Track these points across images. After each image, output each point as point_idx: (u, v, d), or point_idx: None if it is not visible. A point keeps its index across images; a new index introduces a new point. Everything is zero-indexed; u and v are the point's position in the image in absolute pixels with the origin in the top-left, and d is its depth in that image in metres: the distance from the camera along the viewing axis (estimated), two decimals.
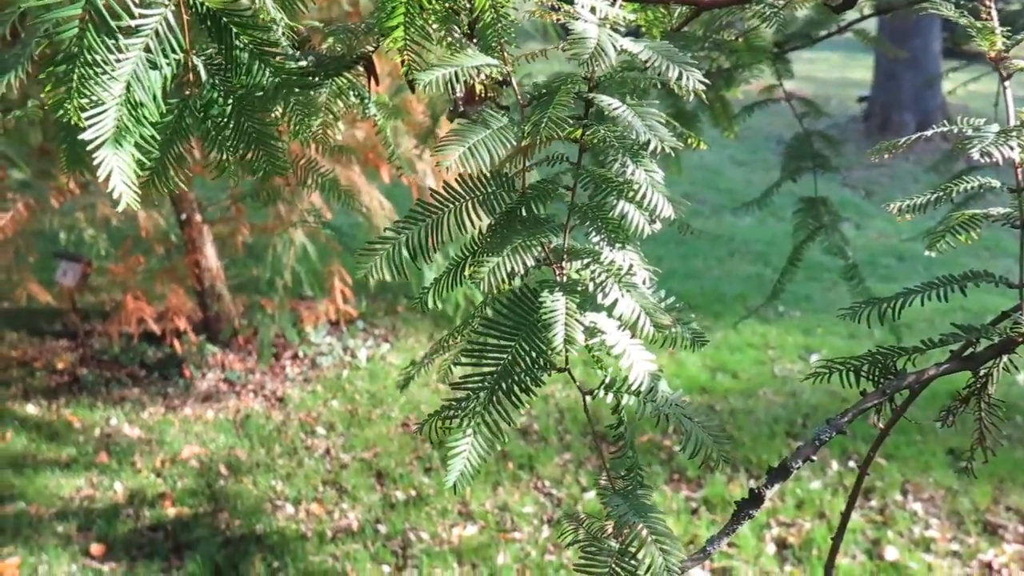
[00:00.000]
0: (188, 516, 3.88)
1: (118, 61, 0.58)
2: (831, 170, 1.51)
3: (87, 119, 0.58)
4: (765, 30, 1.19)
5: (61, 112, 0.55)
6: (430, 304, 0.85)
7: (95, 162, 0.61)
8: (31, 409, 4.63)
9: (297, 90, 0.72)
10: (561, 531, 0.73)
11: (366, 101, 0.98)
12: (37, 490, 3.99)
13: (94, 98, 0.56)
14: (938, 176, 1.53)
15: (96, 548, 3.63)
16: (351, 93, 0.95)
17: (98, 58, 0.54)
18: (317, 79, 0.83)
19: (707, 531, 3.88)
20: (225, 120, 0.71)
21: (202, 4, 0.65)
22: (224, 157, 0.73)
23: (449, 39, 0.74)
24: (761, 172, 9.52)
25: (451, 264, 0.74)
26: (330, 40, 0.87)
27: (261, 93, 0.70)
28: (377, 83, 1.03)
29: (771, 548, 3.78)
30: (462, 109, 0.98)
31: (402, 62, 0.77)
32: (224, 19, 0.68)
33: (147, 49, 0.60)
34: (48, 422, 4.52)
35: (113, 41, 0.54)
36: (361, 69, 0.98)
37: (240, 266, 5.91)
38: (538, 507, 4.04)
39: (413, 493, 4.11)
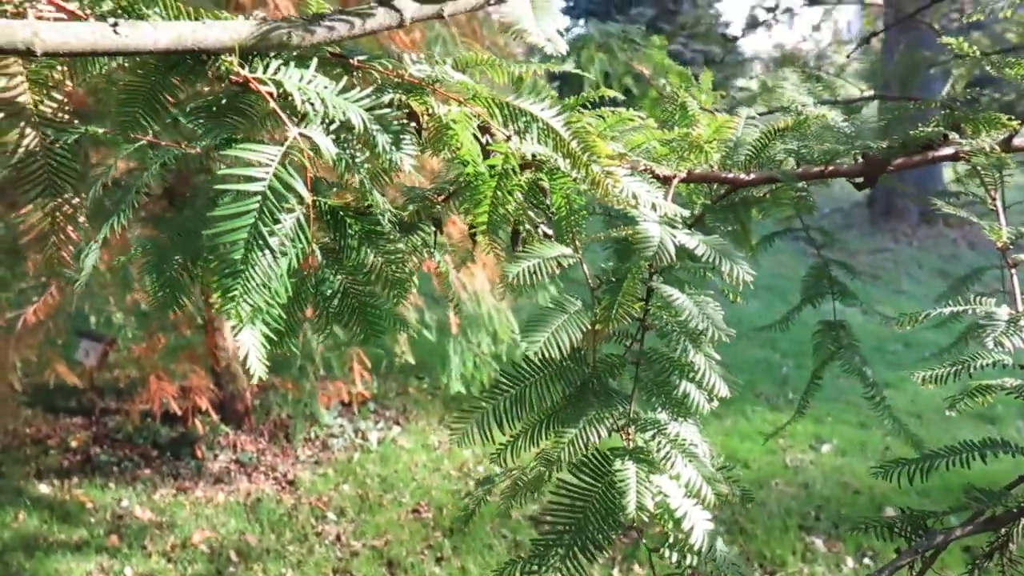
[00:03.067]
0: None
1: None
2: (851, 297, 1.62)
3: (228, 308, 0.69)
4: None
5: (225, 311, 0.66)
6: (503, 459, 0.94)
7: (235, 337, 0.72)
8: (44, 489, 4.65)
9: (394, 266, 0.83)
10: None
11: (435, 251, 1.10)
12: (48, 573, 3.98)
13: (245, 297, 0.68)
14: (951, 296, 1.63)
15: None
16: (424, 248, 1.06)
17: (258, 271, 0.65)
18: (402, 244, 0.94)
19: None
20: (334, 294, 0.82)
21: (325, 203, 0.76)
22: (330, 324, 0.84)
23: (527, 226, 0.86)
24: (769, 256, 9.69)
25: (527, 426, 0.84)
26: (410, 207, 0.99)
27: (366, 271, 0.82)
28: (442, 234, 1.15)
29: None
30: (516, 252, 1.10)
31: (481, 240, 0.88)
32: (341, 213, 0.79)
33: (280, 244, 0.71)
34: (60, 502, 4.54)
35: (270, 254, 0.65)
36: (433, 228, 1.10)
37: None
38: None
39: None
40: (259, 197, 0.65)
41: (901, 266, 9.89)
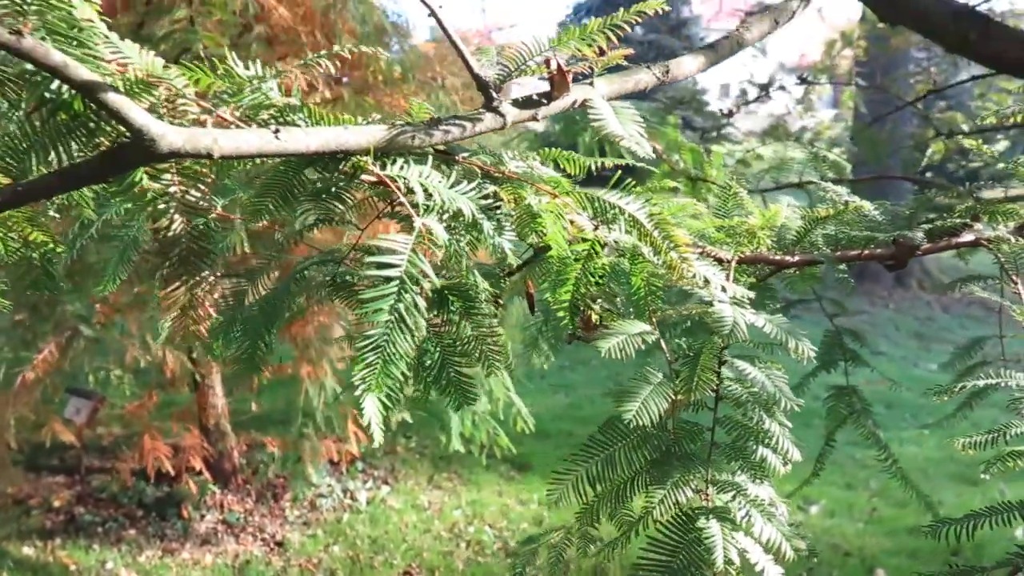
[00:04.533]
0: None
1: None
2: (863, 364, 1.74)
3: (369, 379, 0.77)
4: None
5: (363, 383, 0.74)
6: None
7: (362, 409, 0.80)
8: (27, 551, 4.55)
9: (489, 340, 0.92)
10: None
11: (497, 323, 1.19)
12: None
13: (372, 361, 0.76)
14: (957, 368, 1.76)
15: None
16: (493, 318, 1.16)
17: (398, 347, 0.74)
18: (496, 321, 1.03)
19: None
20: (433, 364, 0.91)
21: (433, 284, 0.86)
22: (428, 392, 0.92)
23: (605, 304, 0.96)
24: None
25: (612, 488, 0.92)
26: (486, 285, 1.08)
27: (463, 344, 0.90)
28: (503, 308, 1.24)
29: None
30: (580, 334, 1.20)
31: (562, 316, 0.98)
32: (446, 292, 0.89)
33: (414, 322, 0.80)
34: (43, 564, 4.45)
35: (407, 331, 0.74)
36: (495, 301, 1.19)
37: (240, 401, 5.98)
38: None
39: None
40: (397, 281, 0.74)
41: (878, 328, 10.12)
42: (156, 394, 4.67)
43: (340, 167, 0.86)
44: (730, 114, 3.57)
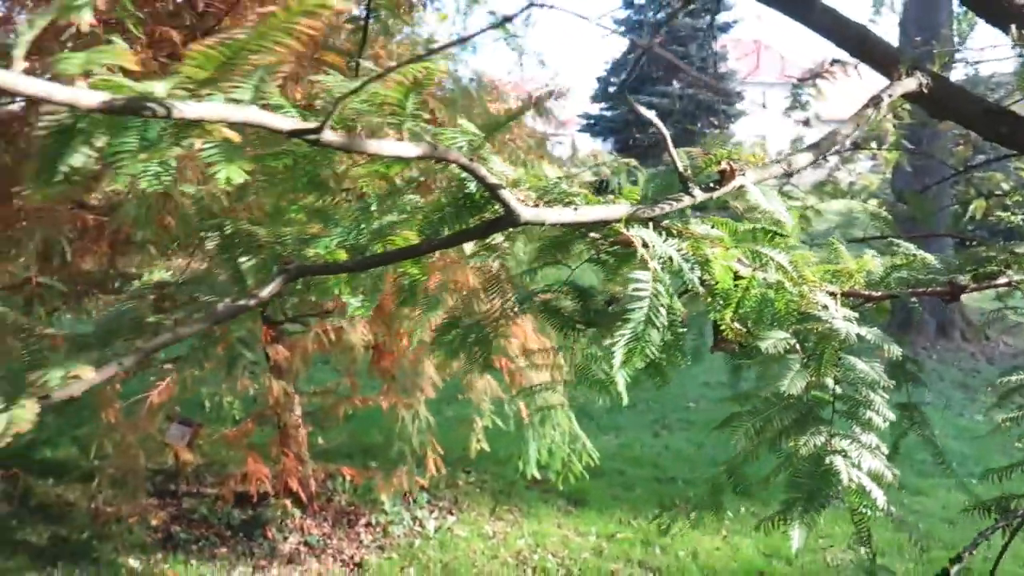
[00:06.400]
0: None
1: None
2: (922, 385, 2.23)
3: (631, 360, 1.29)
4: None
5: (628, 361, 1.26)
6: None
7: (617, 371, 1.33)
8: (133, 563, 5.07)
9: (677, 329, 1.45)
10: None
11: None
12: None
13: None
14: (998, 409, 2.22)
15: None
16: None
17: (651, 338, 1.26)
18: None
19: None
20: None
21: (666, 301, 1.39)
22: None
23: (739, 326, 1.48)
24: None
25: (769, 436, 1.42)
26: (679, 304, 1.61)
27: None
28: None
29: None
30: (721, 346, 1.71)
31: (724, 329, 1.50)
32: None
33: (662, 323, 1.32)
34: (150, 575, 4.96)
35: (655, 328, 1.26)
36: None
37: (315, 435, 6.51)
38: None
39: None
40: (646, 302, 1.27)
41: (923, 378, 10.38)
42: (252, 422, 5.21)
43: (601, 229, 1.39)
44: (790, 175, 4.08)
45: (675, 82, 16.72)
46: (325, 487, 6.26)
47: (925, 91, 1.99)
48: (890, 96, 1.86)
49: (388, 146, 1.02)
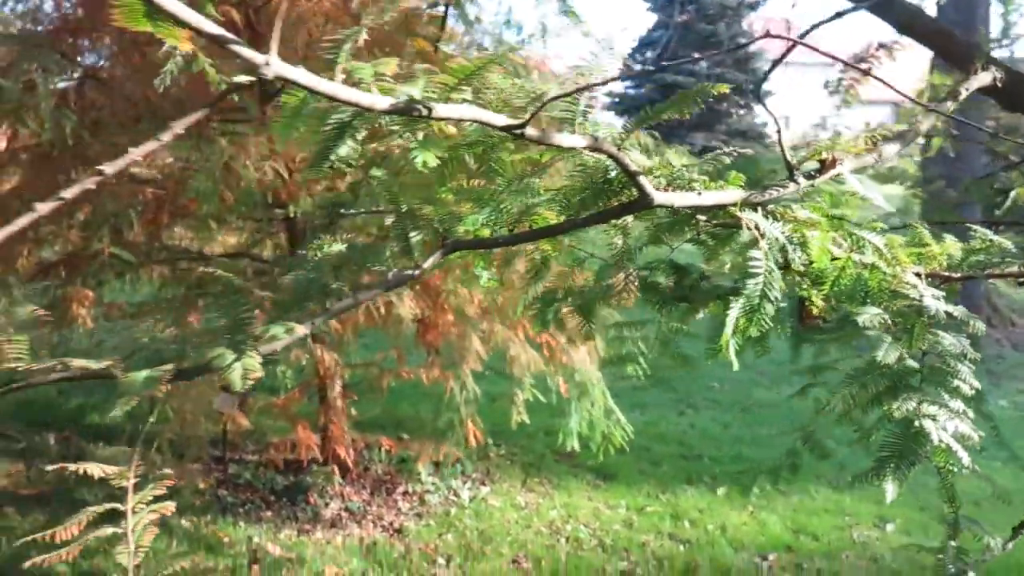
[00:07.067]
0: None
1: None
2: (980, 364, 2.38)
3: (745, 327, 1.45)
4: None
5: (737, 323, 1.42)
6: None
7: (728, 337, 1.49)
8: (184, 523, 5.31)
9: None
10: None
11: None
12: None
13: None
14: None
15: None
16: None
17: (765, 309, 1.42)
18: None
19: None
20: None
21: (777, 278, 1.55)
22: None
23: (823, 303, 1.64)
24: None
25: (863, 399, 1.58)
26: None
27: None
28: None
29: None
30: (808, 322, 1.88)
31: (817, 304, 1.67)
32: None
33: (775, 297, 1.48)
34: (201, 536, 5.20)
35: (768, 300, 1.42)
36: None
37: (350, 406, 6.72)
38: None
39: None
40: (761, 278, 1.43)
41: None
42: (300, 392, 5.41)
43: (712, 214, 1.56)
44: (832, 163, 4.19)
45: (702, 62, 16.74)
46: (362, 457, 6.48)
47: (999, 84, 2.13)
48: (967, 90, 2.00)
49: (567, 139, 1.19)
